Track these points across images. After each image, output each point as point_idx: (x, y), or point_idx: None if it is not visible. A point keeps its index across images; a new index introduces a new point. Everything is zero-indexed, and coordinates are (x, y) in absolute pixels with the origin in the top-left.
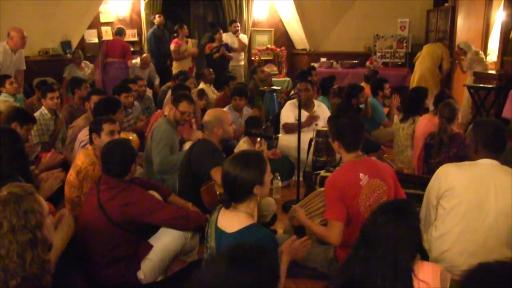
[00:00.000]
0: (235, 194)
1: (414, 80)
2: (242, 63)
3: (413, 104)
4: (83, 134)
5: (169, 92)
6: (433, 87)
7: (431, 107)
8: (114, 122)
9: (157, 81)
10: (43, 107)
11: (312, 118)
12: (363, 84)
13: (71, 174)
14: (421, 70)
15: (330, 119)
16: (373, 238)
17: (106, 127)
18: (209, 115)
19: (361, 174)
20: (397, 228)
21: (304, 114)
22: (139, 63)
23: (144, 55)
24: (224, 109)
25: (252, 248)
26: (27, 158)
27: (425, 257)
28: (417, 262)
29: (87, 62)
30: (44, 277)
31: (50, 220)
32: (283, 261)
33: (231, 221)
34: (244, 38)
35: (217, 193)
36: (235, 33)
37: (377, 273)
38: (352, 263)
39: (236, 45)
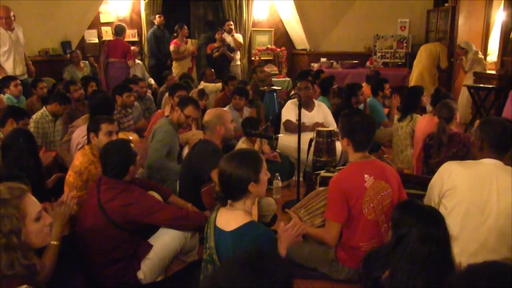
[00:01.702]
0: (230, 192)
1: (412, 79)
2: (238, 62)
3: (410, 102)
4: (79, 136)
5: (167, 93)
6: (430, 85)
7: (429, 107)
8: (113, 122)
9: (151, 80)
10: (44, 109)
11: (318, 126)
12: (364, 84)
13: (71, 175)
14: (419, 69)
15: (343, 116)
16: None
17: (104, 127)
18: (209, 114)
19: (366, 176)
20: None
21: (305, 114)
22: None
23: (132, 47)
24: (225, 108)
25: (268, 256)
26: (39, 158)
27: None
28: None
29: (86, 62)
30: (34, 278)
31: (39, 225)
32: (280, 250)
33: (229, 219)
34: (239, 37)
35: None
36: (230, 32)
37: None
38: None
39: (232, 44)
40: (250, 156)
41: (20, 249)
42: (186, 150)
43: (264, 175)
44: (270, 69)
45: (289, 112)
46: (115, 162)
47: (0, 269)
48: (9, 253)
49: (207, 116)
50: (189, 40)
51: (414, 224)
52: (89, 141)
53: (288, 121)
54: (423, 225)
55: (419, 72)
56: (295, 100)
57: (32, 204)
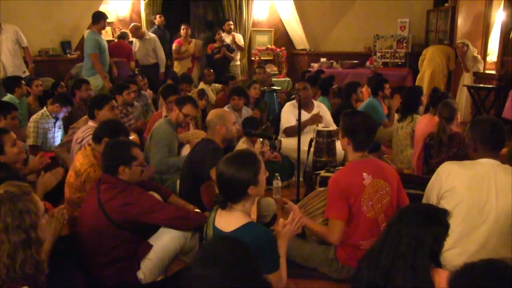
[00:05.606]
0: (230, 195)
1: (425, 78)
2: (238, 62)
3: (409, 103)
4: (81, 131)
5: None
6: (442, 84)
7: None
8: (127, 135)
9: (163, 68)
10: (45, 109)
11: (316, 117)
12: (364, 88)
13: (71, 175)
14: (432, 68)
15: (344, 115)
16: (398, 236)
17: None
18: (212, 114)
19: (364, 174)
20: (422, 233)
21: (304, 115)
22: (132, 36)
23: (132, 24)
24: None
25: (222, 245)
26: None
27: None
28: (433, 270)
29: None
30: (38, 277)
31: (45, 220)
32: (280, 246)
33: (228, 220)
34: (240, 40)
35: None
36: (230, 32)
37: (398, 273)
38: (376, 261)
39: (232, 45)
40: (249, 158)
41: (35, 244)
42: (186, 149)
43: (263, 175)
44: (270, 69)
45: (288, 115)
46: (106, 158)
47: (6, 270)
48: (25, 250)
49: (209, 115)
50: (193, 40)
51: (395, 217)
52: (97, 142)
53: (288, 128)
54: (396, 220)
55: (433, 69)
56: (294, 101)
57: (38, 199)
